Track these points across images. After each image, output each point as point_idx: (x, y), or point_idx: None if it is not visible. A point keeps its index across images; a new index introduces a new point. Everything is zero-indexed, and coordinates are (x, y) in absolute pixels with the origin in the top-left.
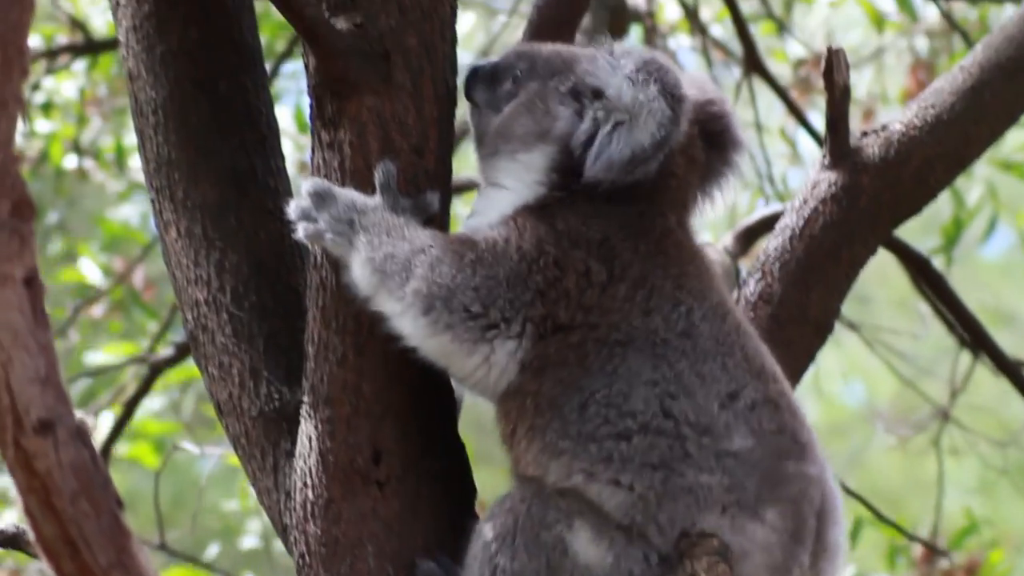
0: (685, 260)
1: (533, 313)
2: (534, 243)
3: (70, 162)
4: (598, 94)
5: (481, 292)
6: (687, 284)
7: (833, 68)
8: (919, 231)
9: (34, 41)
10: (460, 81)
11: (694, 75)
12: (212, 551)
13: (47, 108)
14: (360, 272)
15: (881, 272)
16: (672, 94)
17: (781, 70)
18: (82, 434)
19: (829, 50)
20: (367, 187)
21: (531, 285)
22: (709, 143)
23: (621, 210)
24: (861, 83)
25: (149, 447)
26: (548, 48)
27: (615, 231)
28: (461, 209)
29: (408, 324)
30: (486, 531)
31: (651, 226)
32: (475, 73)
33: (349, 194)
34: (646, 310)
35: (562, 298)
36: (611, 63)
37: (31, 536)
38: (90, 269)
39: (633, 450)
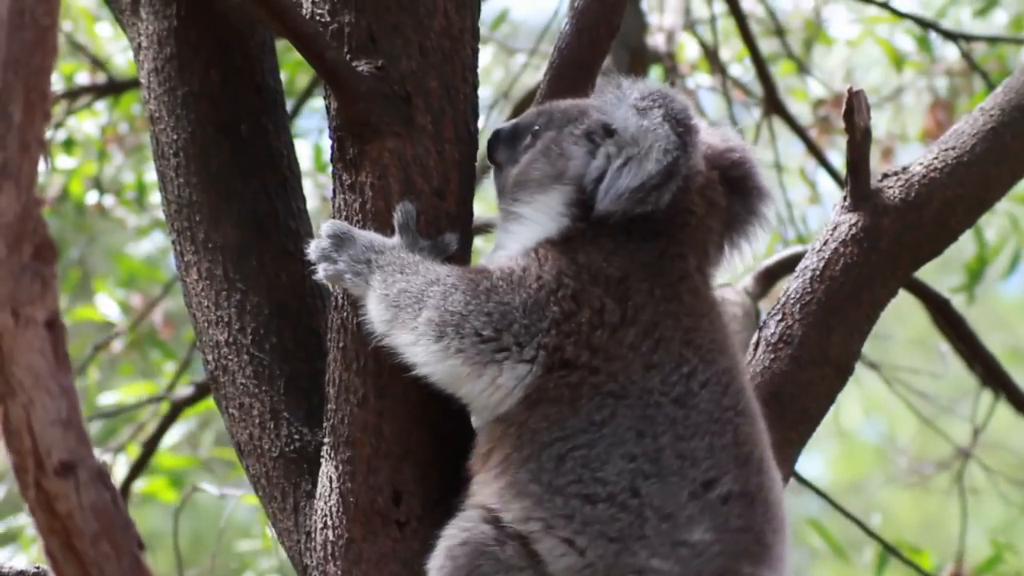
0: (699, 311)
1: (547, 341)
2: (554, 274)
3: (91, 198)
4: (609, 131)
5: (495, 317)
6: (696, 341)
7: (854, 110)
8: (938, 268)
9: (55, 81)
10: (482, 123)
11: (717, 127)
12: None
13: (68, 145)
14: (375, 308)
15: (900, 311)
16: (677, 119)
17: (800, 109)
18: (103, 476)
19: (850, 92)
20: (388, 229)
21: (548, 314)
22: (731, 190)
23: (642, 247)
24: (880, 122)
25: (165, 482)
26: (567, 101)
27: (635, 269)
28: (483, 245)
29: (420, 352)
30: (438, 546)
31: (669, 267)
32: (496, 136)
33: (368, 235)
34: (648, 364)
35: (574, 333)
36: (617, 96)
37: None
38: (107, 306)
39: (596, 516)
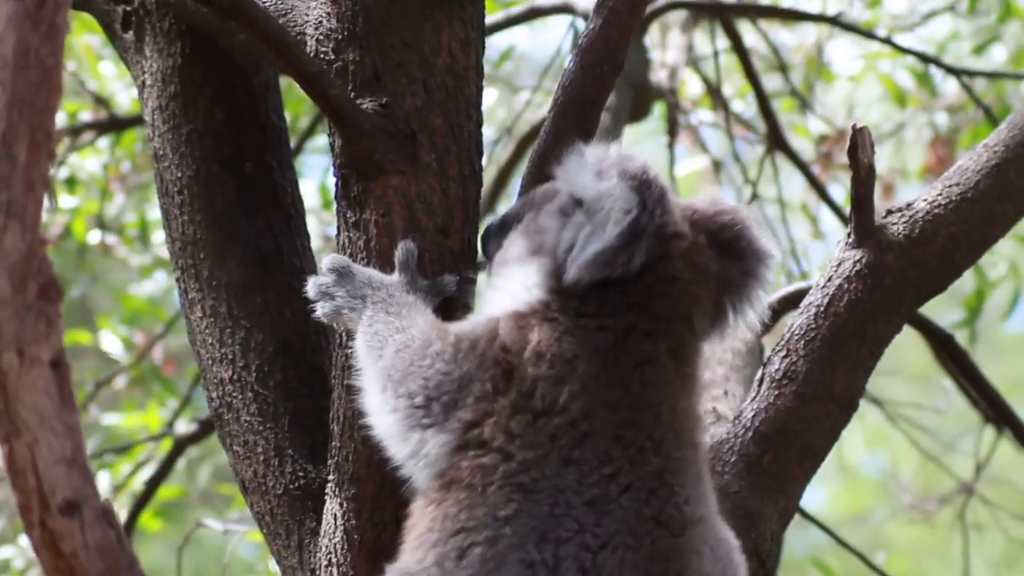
0: (645, 403)
1: (466, 416)
2: (497, 348)
3: (93, 237)
4: (578, 202)
5: (430, 384)
6: (628, 438)
7: (858, 147)
8: (941, 304)
9: (59, 118)
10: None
11: (709, 194)
12: None
13: (71, 183)
14: (358, 345)
15: (903, 346)
16: (633, 177)
17: (803, 145)
18: (108, 514)
19: (854, 129)
20: (391, 266)
21: (474, 389)
22: (724, 253)
23: (605, 326)
24: (881, 158)
25: (161, 517)
26: (547, 184)
27: (587, 352)
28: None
29: (367, 400)
30: None
31: (630, 349)
32: (487, 231)
33: (367, 272)
34: (567, 459)
35: (495, 413)
36: (578, 164)
37: None
38: (111, 343)
39: None
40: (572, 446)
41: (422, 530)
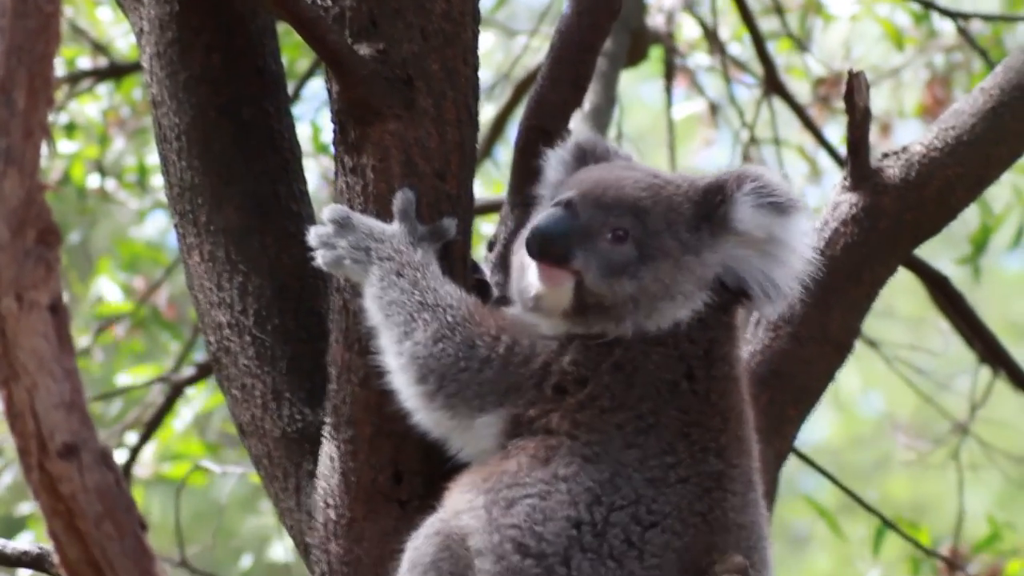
0: (716, 411)
1: (517, 412)
2: (567, 364)
3: (92, 182)
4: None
5: (481, 389)
6: (695, 435)
7: (854, 91)
8: (939, 243)
9: (57, 66)
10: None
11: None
12: (245, 562)
13: (70, 129)
14: (369, 304)
15: (900, 288)
16: (800, 205)
17: (800, 88)
18: (106, 458)
19: (850, 73)
20: (389, 211)
21: (528, 395)
22: None
23: (702, 326)
24: (879, 98)
25: (182, 468)
26: (660, 194)
27: (669, 361)
28: (486, 227)
29: (402, 384)
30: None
31: (714, 352)
32: (552, 238)
33: (368, 222)
34: (630, 443)
35: (560, 410)
36: (755, 200)
37: (55, 558)
38: (110, 289)
39: (519, 569)
40: (637, 433)
41: (476, 478)
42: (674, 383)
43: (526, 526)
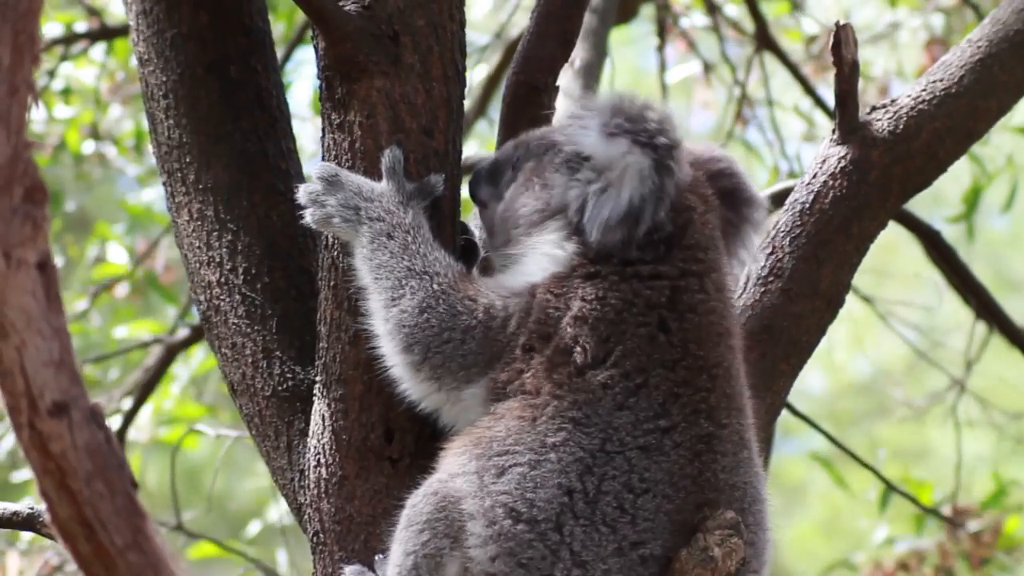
0: (702, 365)
1: (497, 376)
2: (533, 323)
3: (88, 148)
4: (585, 158)
5: (465, 360)
6: (685, 396)
7: (841, 43)
8: (933, 201)
9: (52, 28)
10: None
11: (700, 142)
12: (253, 529)
13: (66, 94)
14: (358, 263)
15: (895, 244)
16: (648, 140)
17: (795, 48)
18: (97, 416)
19: (837, 25)
20: (377, 168)
21: (504, 358)
22: (721, 200)
23: (661, 272)
24: (877, 59)
25: (179, 430)
26: (543, 129)
27: (641, 306)
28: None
29: (390, 354)
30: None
31: (686, 299)
32: (478, 175)
33: (356, 180)
34: (620, 404)
35: (530, 369)
36: (581, 122)
37: (46, 517)
38: (113, 251)
39: (513, 533)
40: (626, 394)
41: (467, 442)
42: (651, 337)
43: (517, 493)
